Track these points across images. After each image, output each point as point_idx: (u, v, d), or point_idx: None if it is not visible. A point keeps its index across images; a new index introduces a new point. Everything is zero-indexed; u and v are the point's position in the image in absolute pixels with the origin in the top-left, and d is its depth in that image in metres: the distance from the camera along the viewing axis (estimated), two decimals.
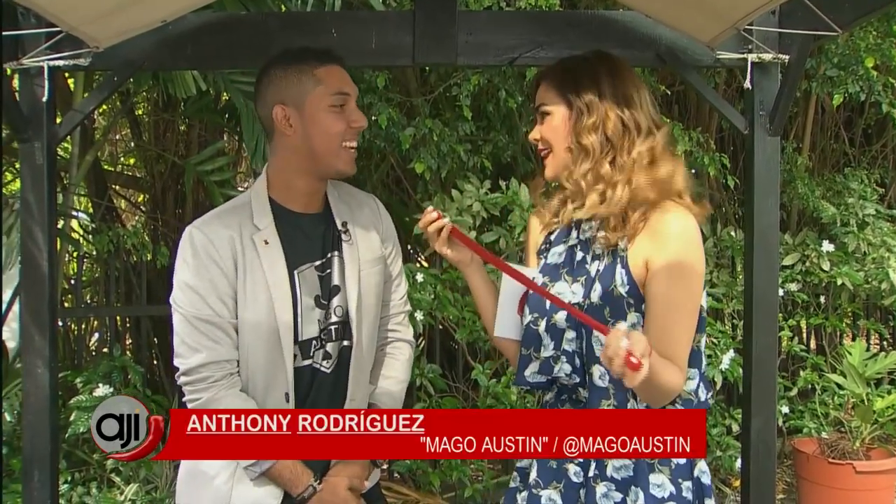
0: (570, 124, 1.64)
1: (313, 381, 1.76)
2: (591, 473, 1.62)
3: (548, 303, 1.62)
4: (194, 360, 1.68)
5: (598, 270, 1.61)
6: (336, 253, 1.79)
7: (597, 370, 1.60)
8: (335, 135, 1.73)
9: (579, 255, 1.65)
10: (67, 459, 3.60)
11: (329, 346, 1.77)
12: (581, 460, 1.63)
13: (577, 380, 1.61)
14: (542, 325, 1.64)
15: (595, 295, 1.58)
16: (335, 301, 1.77)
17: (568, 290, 1.63)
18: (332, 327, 1.77)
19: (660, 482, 1.60)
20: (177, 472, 3.55)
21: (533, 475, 1.68)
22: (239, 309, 1.69)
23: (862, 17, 1.98)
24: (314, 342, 1.75)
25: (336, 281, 1.77)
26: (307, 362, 1.75)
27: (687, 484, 1.62)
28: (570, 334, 1.61)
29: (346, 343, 1.78)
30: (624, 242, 1.58)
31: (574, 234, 1.68)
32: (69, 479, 3.55)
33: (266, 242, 1.71)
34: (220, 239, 1.69)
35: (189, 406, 1.71)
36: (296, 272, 1.73)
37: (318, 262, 1.77)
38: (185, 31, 2.14)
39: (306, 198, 1.79)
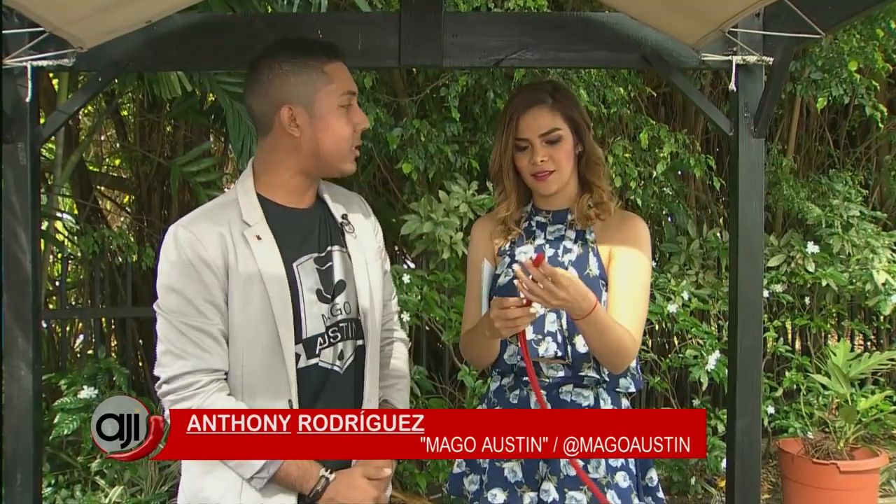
0: (572, 145, 1.84)
1: (324, 382, 1.65)
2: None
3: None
4: (179, 368, 1.55)
5: (570, 260, 1.84)
6: (338, 247, 1.70)
7: (579, 340, 1.79)
8: (345, 139, 1.64)
9: (550, 251, 1.86)
10: (51, 462, 3.57)
11: (341, 345, 1.67)
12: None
13: (561, 354, 1.80)
14: None
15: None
16: (341, 298, 1.67)
17: None
18: (342, 325, 1.67)
19: None
20: (161, 474, 3.58)
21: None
22: (231, 312, 1.56)
23: (845, 19, 2.00)
24: (320, 339, 1.64)
25: (340, 276, 1.68)
26: (313, 361, 1.63)
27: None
28: (552, 317, 1.81)
29: (360, 342, 1.70)
30: (592, 235, 1.85)
31: (541, 235, 1.90)
32: (53, 481, 3.52)
33: (258, 238, 1.59)
34: (209, 236, 1.56)
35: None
36: (294, 265, 1.62)
37: (316, 255, 1.67)
38: (171, 32, 2.13)
39: (298, 194, 1.68)
